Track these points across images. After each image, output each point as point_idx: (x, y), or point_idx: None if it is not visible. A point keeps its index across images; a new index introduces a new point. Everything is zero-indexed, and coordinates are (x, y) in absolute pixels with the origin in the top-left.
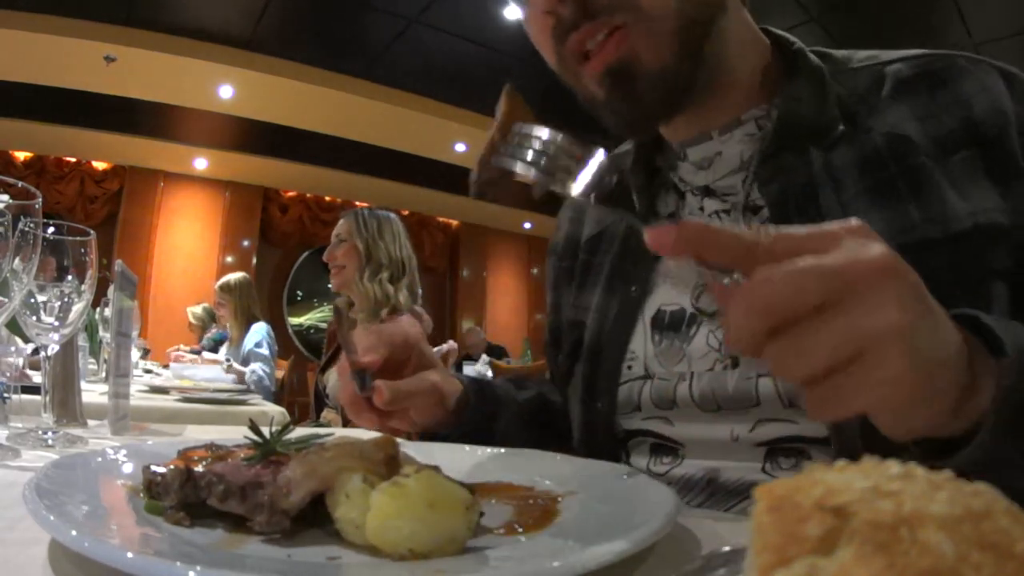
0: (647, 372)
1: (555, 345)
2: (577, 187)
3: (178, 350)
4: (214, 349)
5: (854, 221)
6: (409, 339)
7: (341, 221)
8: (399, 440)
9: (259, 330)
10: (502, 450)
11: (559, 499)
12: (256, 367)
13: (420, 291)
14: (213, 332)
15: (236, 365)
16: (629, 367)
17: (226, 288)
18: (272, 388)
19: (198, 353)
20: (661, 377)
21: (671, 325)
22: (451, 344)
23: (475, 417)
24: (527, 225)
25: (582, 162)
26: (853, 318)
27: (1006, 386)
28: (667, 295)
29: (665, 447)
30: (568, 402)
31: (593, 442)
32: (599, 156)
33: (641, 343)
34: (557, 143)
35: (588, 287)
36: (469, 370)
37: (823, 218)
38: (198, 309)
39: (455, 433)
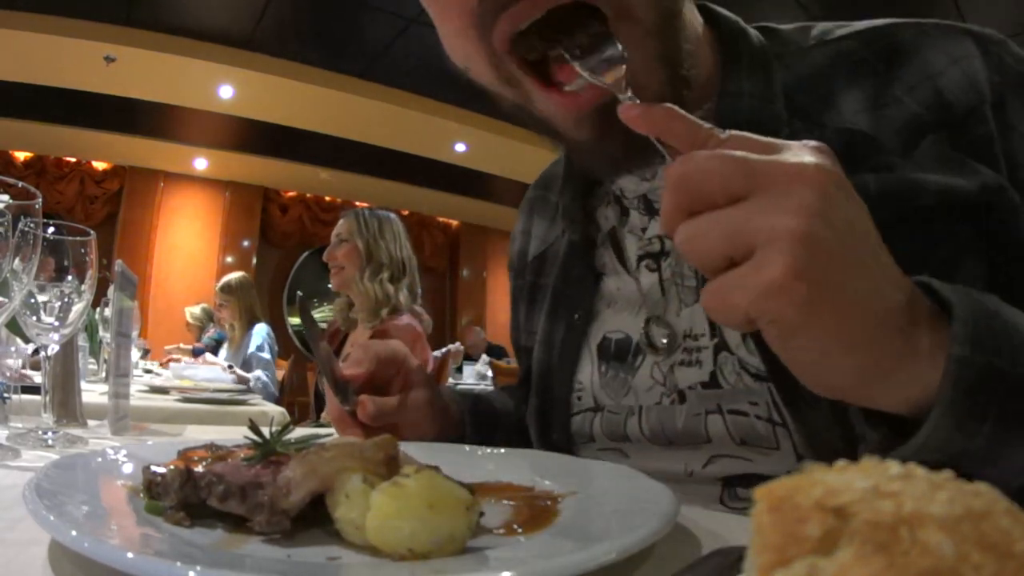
0: (596, 404)
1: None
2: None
3: (177, 349)
4: (214, 350)
5: (817, 143)
6: (397, 355)
7: (342, 221)
8: (399, 440)
9: (260, 332)
10: (502, 450)
11: (559, 499)
12: (260, 374)
13: (420, 291)
14: (212, 332)
15: (238, 371)
16: (579, 398)
17: (227, 289)
18: (276, 393)
19: (200, 354)
20: (611, 410)
21: (616, 355)
22: (457, 346)
23: (472, 438)
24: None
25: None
26: (750, 213)
27: (957, 356)
28: (611, 321)
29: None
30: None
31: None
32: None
33: (588, 373)
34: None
35: (536, 312)
36: (469, 370)
37: None
38: (196, 309)
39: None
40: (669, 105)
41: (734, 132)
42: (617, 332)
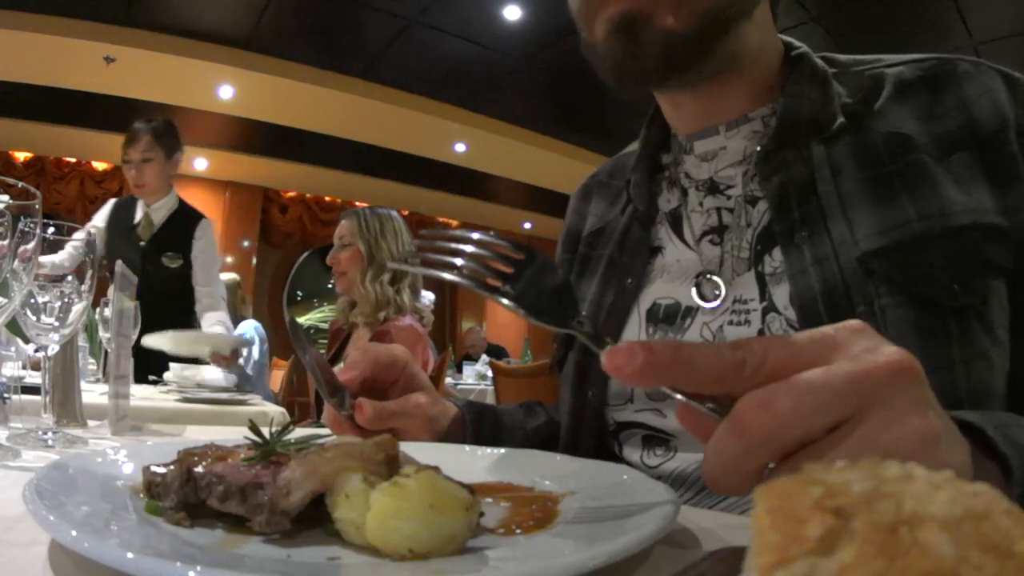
0: None
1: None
2: (509, 292)
3: None
4: None
5: (854, 322)
6: (398, 360)
7: (344, 222)
8: (399, 440)
9: (247, 326)
10: (502, 450)
11: (559, 499)
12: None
13: (422, 288)
14: None
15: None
16: None
17: None
18: (255, 381)
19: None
20: None
21: (665, 318)
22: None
23: (470, 439)
24: (527, 225)
25: (519, 264)
26: (872, 430)
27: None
28: (663, 289)
29: (657, 439)
30: (560, 391)
31: (580, 431)
32: (539, 260)
33: (635, 335)
34: (485, 242)
35: (585, 278)
36: (469, 370)
37: (823, 212)
38: None
39: None
40: (667, 343)
41: (767, 345)
42: (668, 298)
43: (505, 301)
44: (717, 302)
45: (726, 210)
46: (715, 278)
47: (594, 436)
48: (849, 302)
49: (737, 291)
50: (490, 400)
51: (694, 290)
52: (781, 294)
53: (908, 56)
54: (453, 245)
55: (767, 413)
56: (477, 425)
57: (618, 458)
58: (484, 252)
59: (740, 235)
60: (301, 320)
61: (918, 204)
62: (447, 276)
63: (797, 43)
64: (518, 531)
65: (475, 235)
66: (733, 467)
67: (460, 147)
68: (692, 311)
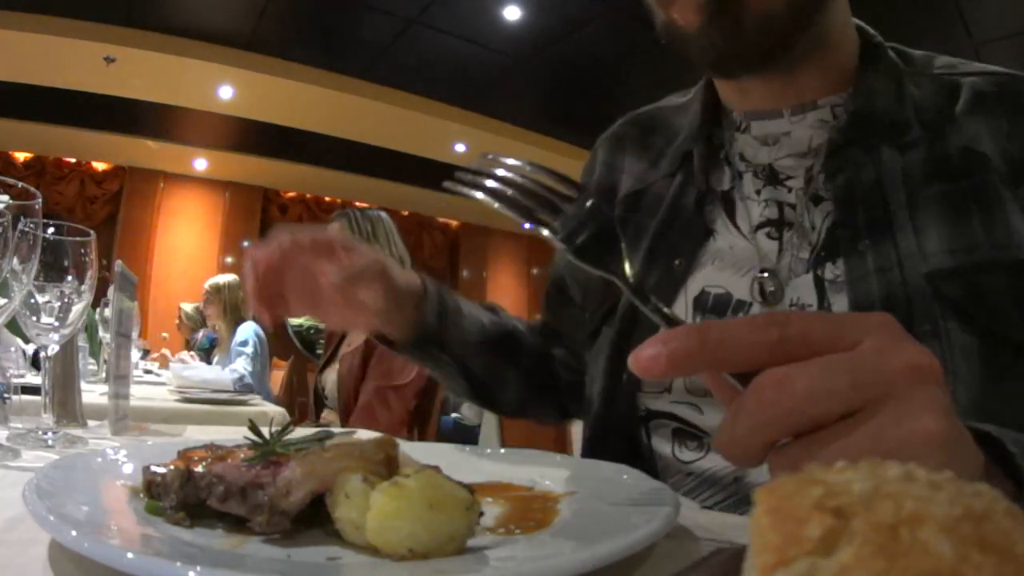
0: None
1: (559, 294)
2: (555, 227)
3: (180, 356)
4: (209, 350)
5: (883, 314)
6: (328, 243)
7: (334, 224)
8: (399, 440)
9: (247, 329)
10: (502, 450)
11: (559, 499)
12: (238, 365)
13: None
14: (203, 334)
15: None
16: None
17: (214, 288)
18: (256, 385)
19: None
20: None
21: (714, 308)
22: None
23: (431, 314)
24: (527, 225)
25: (566, 203)
26: (882, 425)
27: None
28: (713, 276)
29: (690, 434)
30: (586, 367)
31: (611, 417)
32: (588, 200)
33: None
34: (532, 174)
35: (627, 246)
36: None
37: (890, 220)
38: (189, 308)
39: (410, 342)
40: (694, 328)
41: (799, 324)
42: (718, 288)
43: (547, 233)
44: (778, 303)
45: (787, 205)
46: (777, 277)
47: (626, 422)
48: (910, 319)
49: (794, 293)
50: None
51: (756, 286)
52: (840, 303)
53: (984, 66)
54: (504, 173)
55: (783, 392)
56: (438, 299)
57: (646, 448)
58: (534, 184)
59: (802, 235)
60: (299, 321)
61: (988, 229)
62: (496, 204)
63: (872, 30)
64: (518, 531)
65: (528, 166)
66: (744, 439)
67: (460, 147)
68: (745, 306)
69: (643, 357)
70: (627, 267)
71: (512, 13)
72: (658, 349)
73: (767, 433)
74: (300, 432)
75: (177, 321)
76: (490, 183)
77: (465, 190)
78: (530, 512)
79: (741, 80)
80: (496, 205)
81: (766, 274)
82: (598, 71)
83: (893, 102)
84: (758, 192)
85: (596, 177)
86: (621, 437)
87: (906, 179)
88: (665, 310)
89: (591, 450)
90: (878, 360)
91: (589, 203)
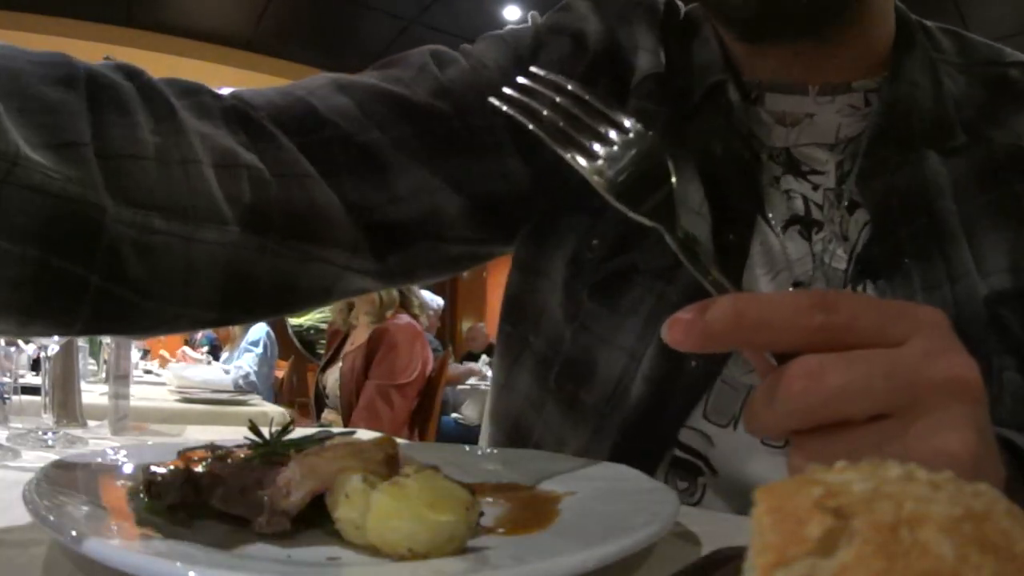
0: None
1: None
2: (595, 162)
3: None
4: (213, 352)
5: (936, 313)
6: None
7: None
8: (399, 440)
9: (259, 330)
10: (502, 450)
11: (559, 499)
12: (244, 362)
13: (430, 292)
14: (203, 334)
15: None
16: None
17: None
18: (260, 386)
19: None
20: (728, 382)
21: None
22: None
23: None
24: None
25: (616, 131)
26: (908, 437)
27: None
28: (745, 274)
29: (688, 465)
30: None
31: (657, 416)
32: (640, 136)
33: None
34: (584, 100)
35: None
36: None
37: (936, 230)
38: None
39: None
40: (733, 301)
41: (849, 306)
42: (747, 290)
43: (583, 162)
44: None
45: (814, 204)
46: (813, 287)
47: (669, 429)
48: None
49: None
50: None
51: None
52: None
53: (1014, 55)
54: (550, 93)
55: (814, 385)
56: None
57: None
58: (579, 110)
59: (836, 243)
60: (300, 321)
61: None
62: (531, 126)
63: (908, 13)
64: (518, 531)
65: (577, 90)
66: (767, 422)
67: None
68: None
69: (679, 323)
70: (680, 216)
71: (512, 13)
72: (694, 317)
73: (790, 422)
74: (300, 432)
75: None
76: (531, 102)
77: (509, 108)
78: (530, 512)
79: (769, 45)
80: (531, 127)
81: (800, 287)
82: None
83: (932, 96)
84: (777, 179)
85: (593, 37)
86: (651, 456)
87: (954, 188)
88: (715, 274)
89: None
90: (920, 365)
91: (637, 130)
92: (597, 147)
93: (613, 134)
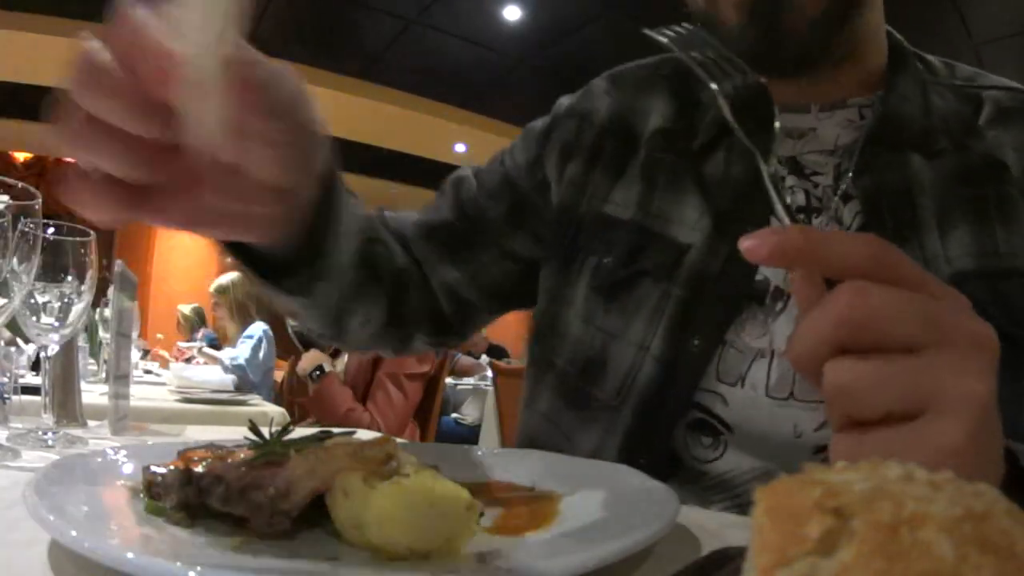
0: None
1: (512, 193)
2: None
3: (188, 354)
4: (214, 347)
5: (959, 294)
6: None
7: None
8: (399, 440)
9: (256, 327)
10: (502, 450)
11: (559, 499)
12: (238, 350)
13: None
14: (201, 334)
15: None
16: None
17: (220, 289)
18: (251, 375)
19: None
20: (735, 347)
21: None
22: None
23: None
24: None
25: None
26: (938, 369)
27: None
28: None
29: (709, 426)
30: (502, 304)
31: (667, 395)
32: (761, 85)
33: None
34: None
35: (668, 192)
36: None
37: (916, 224)
38: (187, 309)
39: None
40: (804, 228)
41: (899, 255)
42: (758, 275)
43: (713, 86)
44: None
45: (815, 196)
46: None
47: (681, 403)
48: None
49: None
50: (490, 401)
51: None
52: None
53: (1005, 81)
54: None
55: (859, 299)
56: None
57: (681, 445)
58: (714, 55)
59: (833, 228)
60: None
61: (1008, 238)
62: (679, 53)
63: (898, 35)
64: (518, 531)
65: (716, 44)
66: (809, 337)
67: (460, 147)
68: (783, 295)
69: (755, 235)
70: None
71: (512, 13)
72: (769, 235)
73: (833, 334)
74: (300, 432)
75: (177, 323)
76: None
77: (662, 39)
78: (530, 512)
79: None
80: (678, 53)
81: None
82: (598, 71)
83: (921, 110)
84: (783, 179)
85: (604, 107)
86: (664, 428)
87: (933, 186)
88: (790, 203)
89: (628, 442)
90: (953, 313)
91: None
92: (726, 83)
93: (739, 78)
